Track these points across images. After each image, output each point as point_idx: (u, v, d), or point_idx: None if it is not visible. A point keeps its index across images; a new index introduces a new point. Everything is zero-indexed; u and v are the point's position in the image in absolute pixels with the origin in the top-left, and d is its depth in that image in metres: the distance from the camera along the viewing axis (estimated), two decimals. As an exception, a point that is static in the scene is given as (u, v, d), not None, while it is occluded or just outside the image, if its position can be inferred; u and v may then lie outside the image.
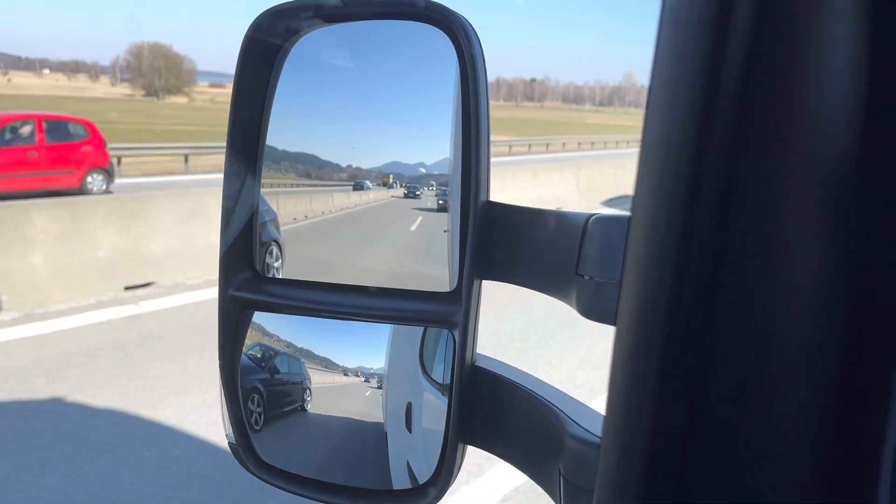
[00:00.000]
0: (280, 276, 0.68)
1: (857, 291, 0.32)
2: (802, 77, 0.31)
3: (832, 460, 0.33)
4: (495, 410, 0.60)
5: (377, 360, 0.65)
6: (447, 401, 0.60)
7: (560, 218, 0.56)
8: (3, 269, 6.98)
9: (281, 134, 0.66)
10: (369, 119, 0.64)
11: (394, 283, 0.65)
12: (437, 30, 0.59)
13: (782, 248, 0.32)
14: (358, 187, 0.63)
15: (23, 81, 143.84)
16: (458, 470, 0.61)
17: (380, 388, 0.65)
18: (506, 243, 0.58)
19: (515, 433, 0.59)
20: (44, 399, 4.99)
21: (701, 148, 0.32)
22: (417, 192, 0.63)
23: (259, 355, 0.68)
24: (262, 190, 0.67)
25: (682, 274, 0.33)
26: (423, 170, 0.62)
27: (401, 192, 0.63)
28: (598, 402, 0.42)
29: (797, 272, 0.32)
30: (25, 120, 14.71)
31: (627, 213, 0.42)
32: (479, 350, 0.62)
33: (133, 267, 7.92)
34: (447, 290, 0.61)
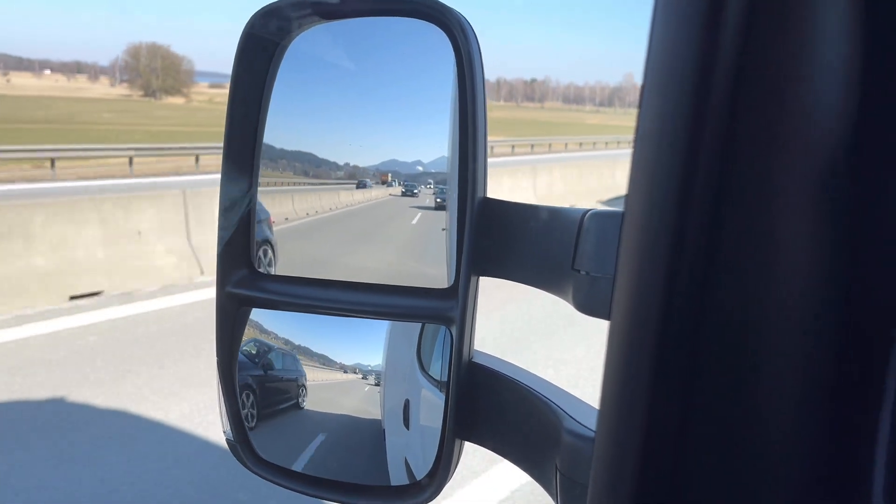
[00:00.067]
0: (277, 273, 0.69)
1: (849, 288, 0.33)
2: (794, 74, 0.31)
3: (825, 457, 0.34)
4: (492, 406, 0.61)
5: (375, 357, 0.65)
6: (444, 397, 0.61)
7: (556, 214, 0.56)
8: None
9: (278, 132, 0.66)
10: (366, 117, 0.65)
11: (391, 279, 0.66)
12: (434, 27, 0.59)
13: (775, 245, 0.32)
14: (361, 185, 0.64)
15: (22, 82, 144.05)
16: (456, 466, 0.62)
17: (377, 384, 0.65)
18: (502, 239, 0.59)
19: (512, 429, 0.60)
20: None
21: (693, 145, 0.32)
22: (415, 191, 0.63)
23: (254, 351, 0.69)
24: (259, 188, 0.67)
25: (674, 270, 0.33)
26: (420, 168, 0.63)
27: (398, 190, 0.63)
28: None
29: (789, 269, 0.32)
30: None
31: (623, 209, 0.43)
32: (476, 346, 0.62)
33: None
34: (445, 286, 0.61)
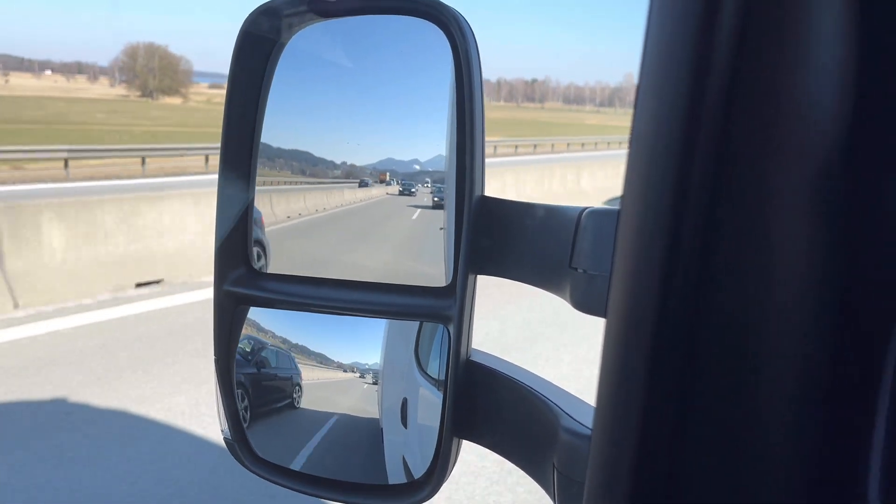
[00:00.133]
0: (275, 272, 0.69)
1: (845, 289, 0.33)
2: (789, 75, 0.32)
3: (822, 458, 0.34)
4: (490, 405, 0.61)
5: (373, 356, 0.66)
6: (442, 396, 0.61)
7: (553, 212, 0.56)
8: None
9: (275, 130, 0.66)
10: (364, 115, 0.65)
11: (389, 278, 0.66)
12: (432, 24, 0.60)
13: (770, 246, 0.32)
14: (363, 184, 0.64)
15: (21, 82, 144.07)
16: (454, 464, 0.62)
17: (375, 383, 0.66)
18: (500, 238, 0.59)
19: (510, 427, 0.60)
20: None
21: (688, 146, 0.32)
22: (413, 190, 0.63)
23: (247, 349, 0.69)
24: (256, 187, 0.68)
25: (670, 270, 0.33)
26: (417, 166, 0.63)
27: (396, 189, 0.64)
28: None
29: (785, 269, 0.33)
30: None
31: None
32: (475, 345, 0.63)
33: None
34: (443, 285, 0.62)
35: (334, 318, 0.66)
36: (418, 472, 0.63)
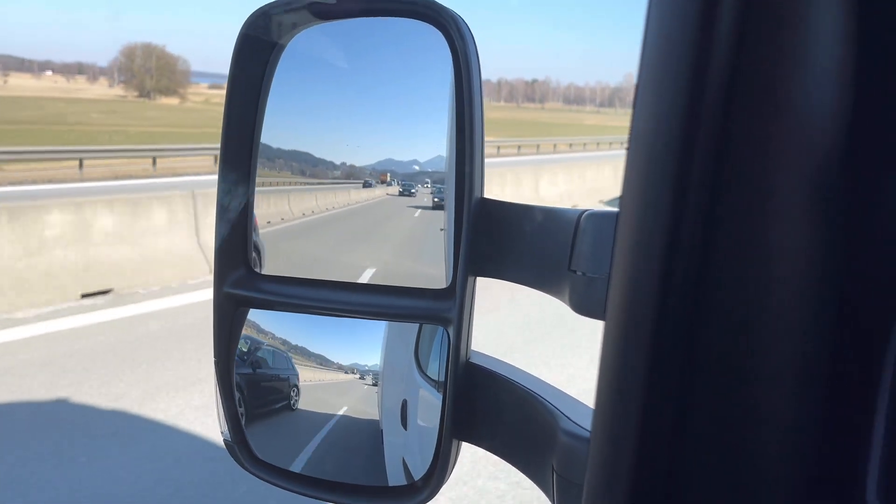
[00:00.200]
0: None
1: (844, 288, 0.33)
2: (788, 74, 0.32)
3: (821, 457, 0.34)
4: (490, 407, 0.61)
5: (372, 358, 0.66)
6: (442, 397, 0.61)
7: (553, 214, 0.57)
8: None
9: (275, 132, 0.67)
10: (363, 116, 0.66)
11: (389, 280, 0.66)
12: (431, 26, 0.60)
13: (769, 245, 0.33)
14: (367, 185, 0.65)
15: (20, 83, 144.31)
16: (454, 466, 0.63)
17: (375, 385, 0.66)
18: (500, 240, 0.59)
19: (509, 429, 0.61)
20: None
21: (687, 145, 0.32)
22: (413, 190, 0.64)
23: (244, 349, 0.69)
24: (256, 188, 0.68)
25: (669, 270, 0.33)
26: (416, 167, 0.63)
27: (396, 189, 0.64)
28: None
29: (784, 268, 0.33)
30: None
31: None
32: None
33: None
34: (442, 286, 0.62)
35: (334, 320, 0.67)
36: (418, 473, 0.63)
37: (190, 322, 6.64)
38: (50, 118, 48.53)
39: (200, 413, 4.66)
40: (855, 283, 0.33)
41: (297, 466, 0.68)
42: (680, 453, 0.35)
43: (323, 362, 0.67)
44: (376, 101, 0.66)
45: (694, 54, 0.32)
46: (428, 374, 0.64)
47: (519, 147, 34.91)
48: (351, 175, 0.65)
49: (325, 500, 0.67)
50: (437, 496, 0.62)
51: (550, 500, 0.55)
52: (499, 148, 33.87)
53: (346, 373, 0.66)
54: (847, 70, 0.32)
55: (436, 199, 0.64)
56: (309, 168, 0.67)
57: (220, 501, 3.71)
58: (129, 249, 7.72)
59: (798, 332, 0.33)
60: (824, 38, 0.32)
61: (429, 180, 0.63)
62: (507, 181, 14.04)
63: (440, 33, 0.60)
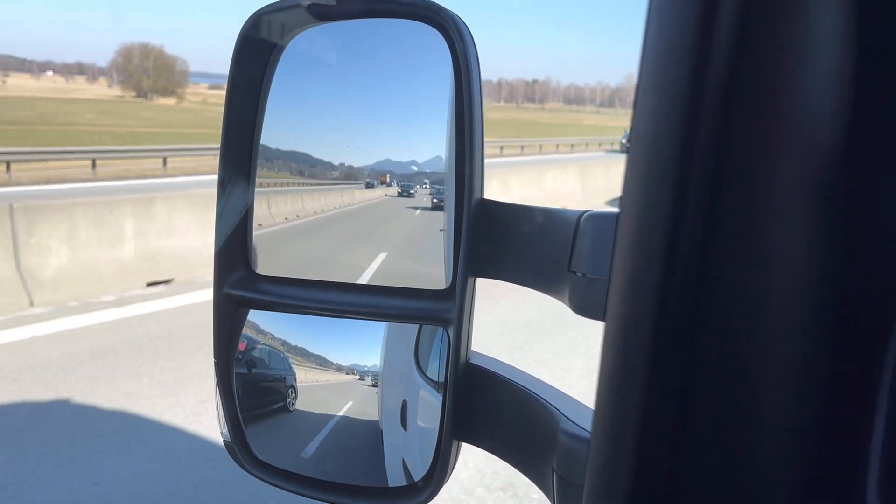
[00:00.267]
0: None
1: (844, 288, 0.33)
2: (788, 75, 0.32)
3: (821, 457, 0.34)
4: (490, 407, 0.62)
5: (372, 358, 0.67)
6: (442, 398, 0.62)
7: (553, 215, 0.57)
8: None
9: (275, 132, 0.67)
10: (362, 117, 0.66)
11: (389, 280, 0.67)
12: (431, 28, 0.61)
13: (769, 245, 0.33)
14: (369, 186, 0.65)
15: (19, 83, 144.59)
16: (454, 467, 0.63)
17: (375, 385, 0.66)
18: (499, 240, 0.60)
19: (509, 430, 0.61)
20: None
21: (687, 145, 0.33)
22: (412, 191, 0.64)
23: (242, 349, 0.70)
24: (256, 189, 0.69)
25: (669, 271, 0.34)
26: (415, 168, 0.64)
27: (394, 190, 0.65)
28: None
29: (784, 268, 0.33)
30: None
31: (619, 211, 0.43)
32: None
33: None
34: (442, 287, 0.63)
35: (334, 321, 0.67)
36: (418, 474, 0.64)
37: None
38: (35, 118, 48.44)
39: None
40: (855, 283, 0.33)
41: (297, 467, 0.69)
42: (680, 454, 0.35)
43: (322, 363, 0.68)
44: (375, 102, 0.66)
45: (694, 55, 0.32)
46: (428, 374, 0.65)
47: (522, 147, 34.96)
48: (350, 176, 0.66)
49: (325, 500, 0.67)
50: (437, 497, 0.63)
51: (550, 501, 0.55)
52: (502, 148, 33.94)
53: (345, 373, 0.67)
54: (847, 70, 0.32)
55: (435, 200, 0.64)
56: (307, 168, 0.67)
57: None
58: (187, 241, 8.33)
59: (798, 333, 0.33)
60: (824, 39, 0.32)
61: (427, 181, 0.64)
62: (492, 183, 14.05)
63: (440, 35, 0.61)
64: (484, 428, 0.62)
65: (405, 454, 0.67)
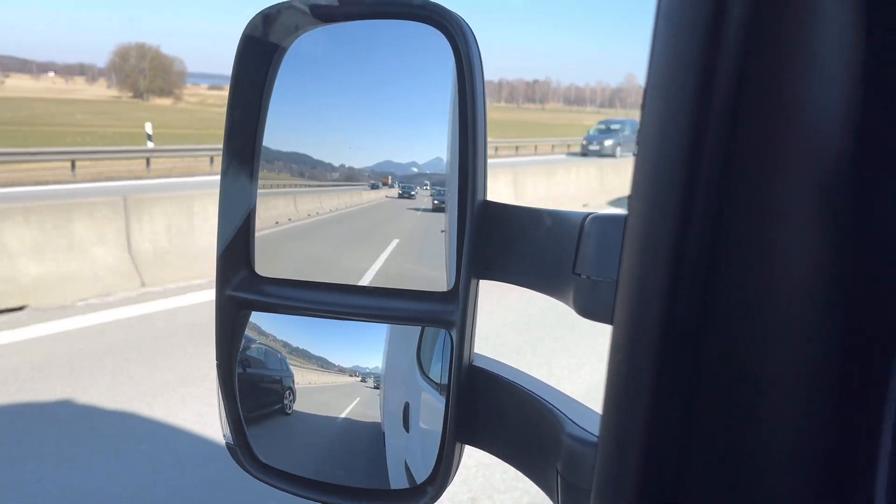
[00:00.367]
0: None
1: (852, 292, 0.33)
2: (796, 79, 0.32)
3: (829, 461, 0.34)
4: (493, 410, 0.62)
5: (374, 360, 0.67)
6: (445, 400, 0.62)
7: (557, 217, 0.57)
8: None
9: (277, 134, 0.68)
10: (364, 119, 0.66)
11: (391, 282, 0.67)
12: (434, 30, 0.61)
13: (777, 249, 0.33)
14: (375, 187, 0.65)
15: (18, 84, 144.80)
16: (456, 470, 0.64)
17: (377, 388, 0.67)
18: (503, 242, 0.60)
19: (513, 432, 0.61)
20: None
21: (695, 149, 0.33)
22: (412, 193, 0.64)
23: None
24: (259, 190, 0.69)
25: (677, 274, 0.34)
26: (415, 169, 0.64)
27: (395, 192, 0.65)
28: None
29: (792, 272, 0.33)
30: None
31: (624, 213, 0.44)
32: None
33: None
34: (444, 289, 0.63)
35: (336, 323, 0.67)
36: (420, 476, 0.64)
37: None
38: (24, 119, 48.31)
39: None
40: (863, 286, 0.33)
41: (298, 469, 0.69)
42: (688, 457, 0.35)
43: (324, 365, 0.68)
44: (376, 104, 0.66)
45: (702, 58, 0.33)
46: (430, 376, 0.65)
47: (517, 147, 34.83)
48: (350, 177, 0.66)
49: (326, 502, 0.67)
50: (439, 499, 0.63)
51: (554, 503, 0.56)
52: (517, 148, 33.79)
53: (347, 375, 0.67)
54: (854, 73, 0.32)
55: (436, 202, 0.64)
56: (308, 170, 0.68)
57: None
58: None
59: (806, 336, 0.33)
60: (831, 41, 0.32)
61: (428, 182, 0.64)
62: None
63: (442, 36, 0.61)
64: (487, 430, 0.63)
65: (407, 456, 0.67)
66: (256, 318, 0.70)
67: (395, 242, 0.67)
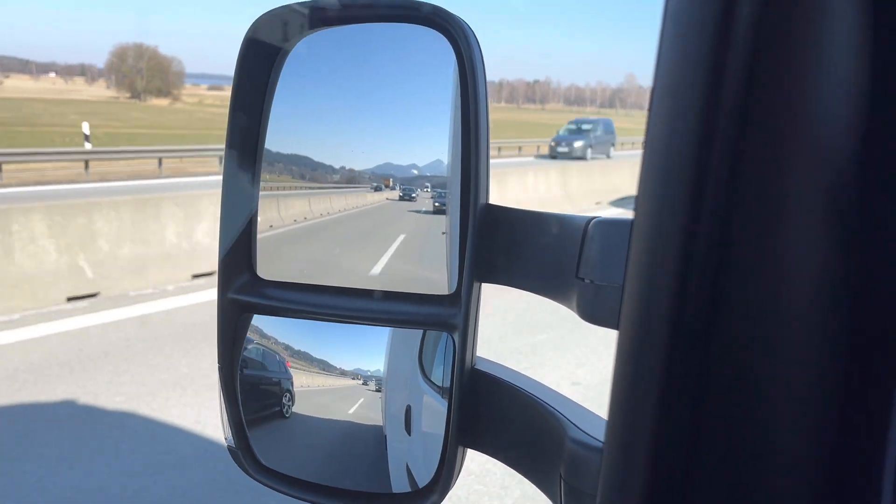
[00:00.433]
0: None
1: (858, 294, 0.33)
2: (804, 81, 0.32)
3: (835, 466, 0.34)
4: (495, 414, 0.62)
5: (376, 363, 0.67)
6: (447, 404, 0.62)
7: (560, 221, 0.57)
8: None
9: (279, 136, 0.68)
10: (364, 121, 0.66)
11: (393, 286, 0.68)
12: (436, 33, 0.61)
13: (785, 253, 0.33)
14: (378, 189, 0.65)
15: (17, 84, 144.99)
16: (459, 473, 0.64)
17: (378, 391, 0.67)
18: (506, 246, 0.60)
19: (515, 436, 0.61)
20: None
21: (703, 152, 0.33)
22: (413, 195, 0.64)
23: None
24: (261, 193, 0.69)
25: (686, 273, 0.34)
26: (415, 171, 0.64)
27: (395, 194, 0.65)
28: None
29: (800, 276, 0.33)
30: None
31: (628, 217, 0.44)
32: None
33: None
34: (446, 292, 0.63)
35: (338, 326, 0.68)
36: (423, 480, 0.64)
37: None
38: (14, 120, 48.24)
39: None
40: (870, 288, 0.33)
41: (300, 473, 0.69)
42: (694, 462, 0.35)
43: (326, 368, 0.68)
44: (377, 106, 0.67)
45: (710, 61, 0.33)
46: (432, 379, 0.65)
47: (500, 148, 34.34)
48: (351, 179, 0.66)
49: None
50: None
51: None
52: (519, 148, 33.26)
53: (349, 378, 0.67)
54: (863, 73, 0.33)
55: (436, 204, 0.65)
56: (308, 172, 0.68)
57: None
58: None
59: (814, 339, 0.34)
60: (840, 41, 0.32)
61: (429, 185, 0.64)
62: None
63: (444, 38, 0.61)
64: (489, 434, 0.63)
65: (409, 460, 0.67)
66: (258, 321, 0.70)
67: (401, 237, 0.67)
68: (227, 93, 0.70)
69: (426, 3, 0.61)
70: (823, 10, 0.32)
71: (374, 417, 0.68)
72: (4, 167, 18.92)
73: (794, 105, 0.32)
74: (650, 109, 0.36)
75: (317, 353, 0.69)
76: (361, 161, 0.66)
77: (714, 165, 0.33)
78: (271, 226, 0.71)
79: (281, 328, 0.70)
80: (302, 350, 0.70)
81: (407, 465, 0.67)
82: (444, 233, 0.64)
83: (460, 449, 0.63)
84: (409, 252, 0.68)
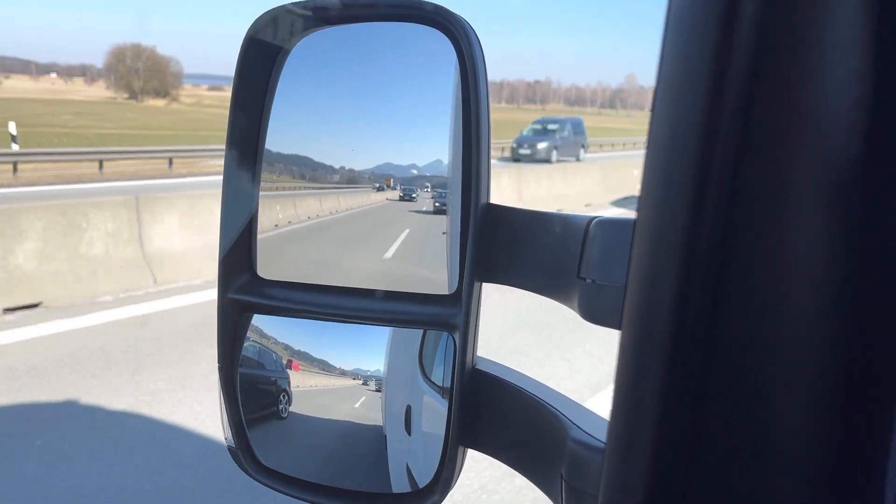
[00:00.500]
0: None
1: (861, 293, 0.34)
2: (806, 81, 0.33)
3: (838, 465, 0.35)
4: (496, 414, 0.62)
5: (376, 363, 0.68)
6: (447, 404, 0.62)
7: (561, 220, 0.58)
8: None
9: (279, 136, 0.68)
10: (365, 121, 0.67)
11: (393, 285, 0.68)
12: (437, 32, 0.61)
13: (788, 253, 0.33)
14: (380, 189, 0.66)
15: (16, 84, 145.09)
16: (459, 473, 0.64)
17: (379, 391, 0.67)
18: (507, 246, 0.60)
19: (516, 437, 0.62)
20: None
21: (706, 152, 0.33)
22: (413, 195, 0.65)
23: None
24: (262, 193, 0.70)
25: (688, 273, 0.34)
26: (415, 171, 0.64)
27: (396, 194, 0.65)
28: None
29: (803, 277, 0.34)
30: None
31: (630, 217, 0.44)
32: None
33: None
34: (447, 292, 0.63)
35: (338, 325, 0.68)
36: (423, 480, 0.64)
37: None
38: (7, 120, 48.18)
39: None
40: (872, 287, 0.33)
41: (300, 473, 0.70)
42: (697, 465, 0.35)
43: (326, 367, 0.68)
44: (378, 106, 0.67)
45: (713, 61, 0.33)
46: (432, 379, 0.65)
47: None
48: (351, 180, 0.67)
49: None
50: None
51: None
52: (503, 149, 32.90)
53: (349, 378, 0.68)
54: (866, 73, 0.33)
55: (437, 204, 0.65)
56: (309, 172, 0.68)
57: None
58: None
59: (816, 338, 0.34)
60: (842, 46, 0.32)
61: (429, 185, 0.64)
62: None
63: (445, 38, 0.61)
64: (490, 434, 0.63)
65: (409, 460, 0.68)
66: (258, 320, 0.70)
67: (406, 232, 0.68)
68: (227, 93, 0.70)
69: (428, 3, 0.62)
70: (826, 10, 0.32)
71: (375, 417, 0.68)
72: None
73: (797, 105, 0.33)
74: (652, 110, 0.36)
75: (317, 353, 0.69)
76: (362, 161, 0.66)
77: (716, 166, 0.33)
78: (273, 225, 0.71)
79: (281, 328, 0.70)
80: (302, 350, 0.70)
81: (407, 465, 0.67)
82: (444, 233, 0.64)
83: (461, 449, 0.63)
84: (410, 252, 0.68)
